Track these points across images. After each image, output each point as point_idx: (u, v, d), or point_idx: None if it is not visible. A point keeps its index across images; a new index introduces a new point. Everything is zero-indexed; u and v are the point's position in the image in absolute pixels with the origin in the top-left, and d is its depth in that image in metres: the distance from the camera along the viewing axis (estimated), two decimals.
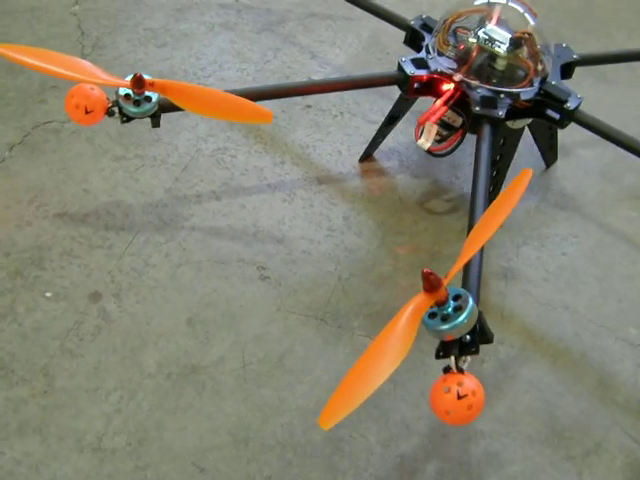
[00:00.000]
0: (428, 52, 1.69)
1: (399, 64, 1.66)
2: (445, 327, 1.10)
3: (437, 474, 1.33)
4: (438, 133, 1.61)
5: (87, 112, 1.44)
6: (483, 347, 1.18)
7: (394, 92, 1.74)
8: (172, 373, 1.41)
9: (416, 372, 1.46)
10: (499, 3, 1.68)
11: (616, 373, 1.52)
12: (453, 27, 1.70)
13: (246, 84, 2.05)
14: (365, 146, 1.89)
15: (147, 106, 1.46)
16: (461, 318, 1.09)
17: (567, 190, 1.89)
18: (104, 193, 1.72)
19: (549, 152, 1.90)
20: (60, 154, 1.79)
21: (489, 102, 1.57)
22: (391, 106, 1.81)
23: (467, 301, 1.11)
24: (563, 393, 1.46)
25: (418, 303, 1.10)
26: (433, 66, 1.64)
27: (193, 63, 2.11)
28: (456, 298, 1.13)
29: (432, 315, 1.12)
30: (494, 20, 1.64)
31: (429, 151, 1.62)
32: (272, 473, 1.30)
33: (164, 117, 1.57)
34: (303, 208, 1.75)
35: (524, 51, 1.62)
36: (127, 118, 1.50)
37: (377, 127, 1.89)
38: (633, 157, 1.64)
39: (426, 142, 1.61)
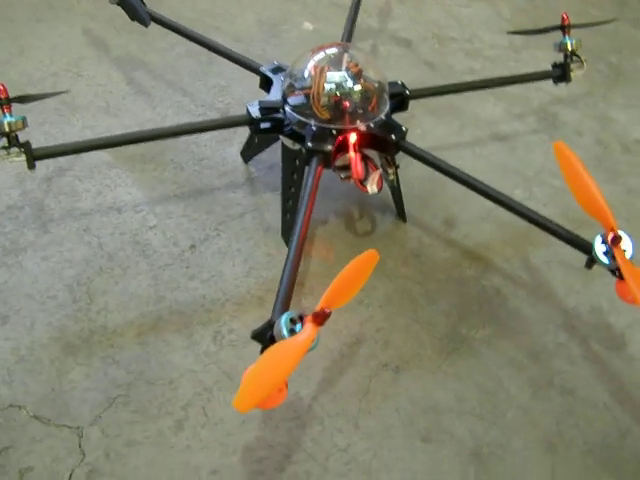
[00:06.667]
0: (303, 126, 1.81)
1: (311, 150, 1.76)
2: None
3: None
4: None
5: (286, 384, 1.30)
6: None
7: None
8: None
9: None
10: (329, 53, 1.90)
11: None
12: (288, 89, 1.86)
13: (105, 272, 1.84)
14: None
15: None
16: None
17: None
18: None
19: None
20: None
21: (389, 128, 1.84)
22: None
23: None
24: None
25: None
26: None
27: (43, 291, 1.77)
28: None
29: None
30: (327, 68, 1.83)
31: (379, 192, 1.84)
32: None
33: None
34: None
35: (363, 77, 1.87)
36: None
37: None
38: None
39: (375, 187, 1.82)
